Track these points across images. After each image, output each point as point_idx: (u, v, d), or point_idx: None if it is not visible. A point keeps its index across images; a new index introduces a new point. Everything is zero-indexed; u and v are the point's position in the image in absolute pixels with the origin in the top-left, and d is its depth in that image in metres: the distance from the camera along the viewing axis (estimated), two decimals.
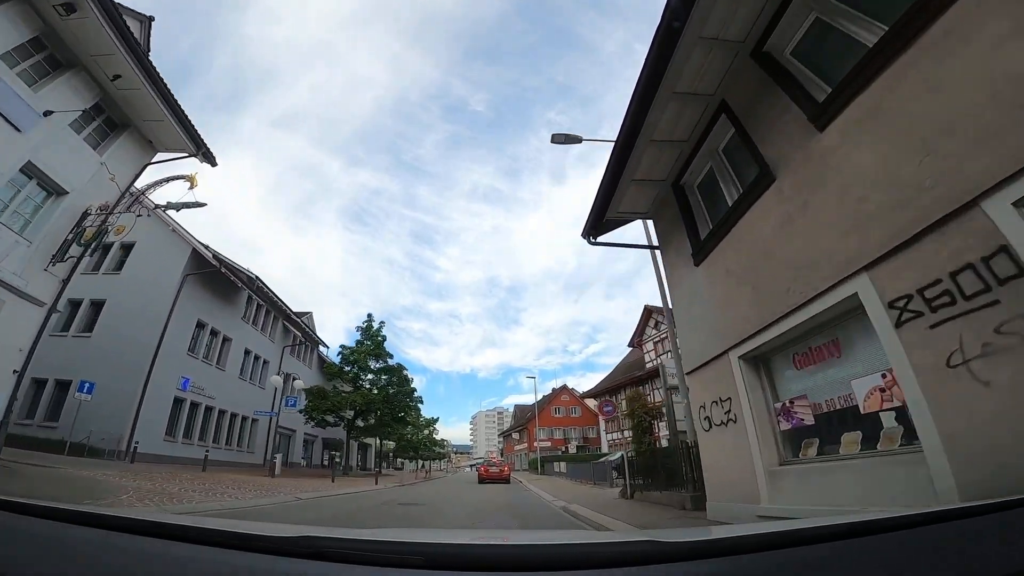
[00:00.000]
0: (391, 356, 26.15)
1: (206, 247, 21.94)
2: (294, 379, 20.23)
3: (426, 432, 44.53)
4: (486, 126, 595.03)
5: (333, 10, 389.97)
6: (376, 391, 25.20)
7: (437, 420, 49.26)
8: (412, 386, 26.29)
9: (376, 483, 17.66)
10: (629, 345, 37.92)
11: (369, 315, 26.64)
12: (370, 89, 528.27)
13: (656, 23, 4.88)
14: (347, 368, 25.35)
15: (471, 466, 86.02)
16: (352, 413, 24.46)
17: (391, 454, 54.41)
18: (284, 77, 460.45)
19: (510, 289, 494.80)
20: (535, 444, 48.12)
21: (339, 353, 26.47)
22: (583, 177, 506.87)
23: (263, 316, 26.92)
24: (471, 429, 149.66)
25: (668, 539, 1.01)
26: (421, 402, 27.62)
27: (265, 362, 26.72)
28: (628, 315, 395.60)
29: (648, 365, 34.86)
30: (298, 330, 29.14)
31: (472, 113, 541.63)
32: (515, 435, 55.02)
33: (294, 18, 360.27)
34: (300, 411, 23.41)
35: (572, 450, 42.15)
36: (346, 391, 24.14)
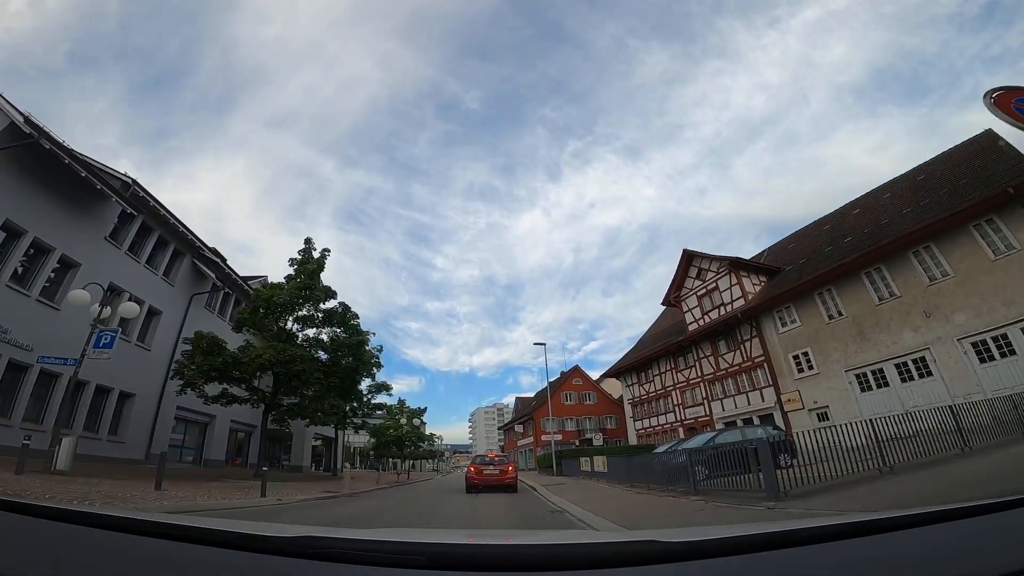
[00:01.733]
0: (333, 295, 17.59)
1: (30, 119, 13.71)
2: (120, 298, 11.27)
3: (404, 422, 35.79)
4: (480, 123, 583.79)
5: (324, 9, 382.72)
6: (307, 348, 16.58)
7: (425, 411, 40.90)
8: (362, 336, 17.43)
9: (263, 494, 9.23)
10: (663, 303, 29.53)
11: (308, 239, 18.26)
12: (362, 88, 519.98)
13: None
14: (260, 312, 16.70)
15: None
16: (271, 382, 16.01)
17: (371, 453, 46.00)
18: (275, 77, 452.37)
19: (507, 287, 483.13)
20: (542, 438, 39.77)
21: (255, 291, 17.96)
22: (578, 172, 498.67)
23: (152, 244, 18.61)
24: (470, 427, 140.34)
25: (669, 539, 0.98)
26: (379, 366, 18.98)
27: (154, 311, 18.40)
28: (626, 311, 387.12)
29: (692, 326, 26.55)
30: (216, 271, 20.71)
31: (466, 111, 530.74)
32: (518, 428, 46.50)
33: (284, 17, 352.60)
34: (175, 377, 14.69)
35: (596, 443, 33.69)
36: (257, 346, 15.44)
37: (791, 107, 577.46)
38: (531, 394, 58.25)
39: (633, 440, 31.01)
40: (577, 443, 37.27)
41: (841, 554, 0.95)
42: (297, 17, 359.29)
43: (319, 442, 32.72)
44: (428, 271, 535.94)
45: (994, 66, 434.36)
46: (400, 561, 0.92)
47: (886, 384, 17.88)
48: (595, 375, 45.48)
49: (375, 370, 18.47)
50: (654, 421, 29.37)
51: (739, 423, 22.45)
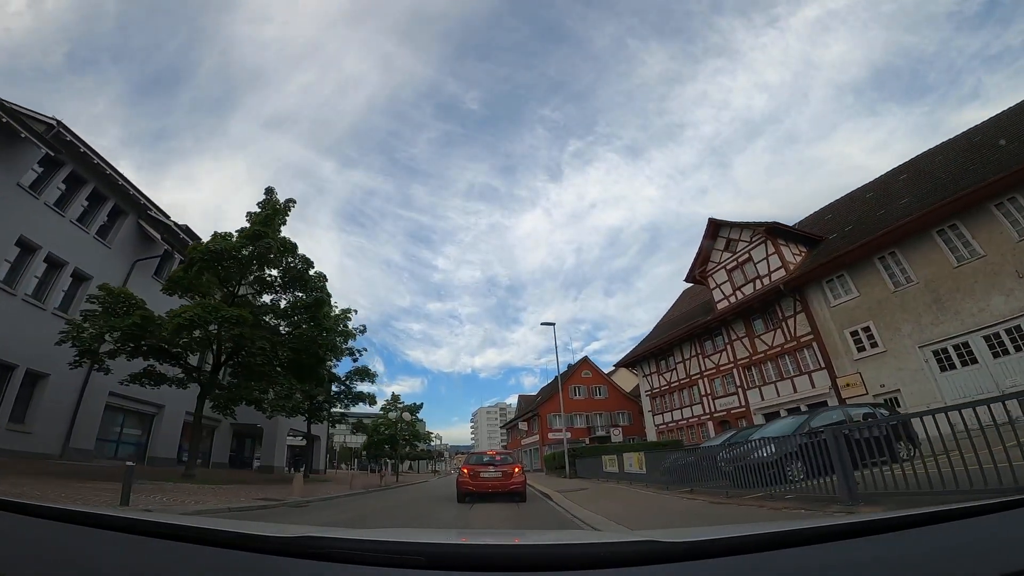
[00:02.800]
0: (292, 248, 13.80)
1: None
2: None
3: (395, 416, 32.34)
4: (480, 124, 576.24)
5: (323, 10, 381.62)
6: (255, 311, 13.00)
7: (421, 407, 37.58)
8: (323, 295, 13.79)
9: (123, 502, 5.86)
10: (687, 279, 26.19)
11: (269, 189, 14.55)
12: (361, 88, 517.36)
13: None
14: (194, 268, 13.13)
15: None
16: (209, 358, 12.61)
17: (363, 453, 42.65)
18: (274, 78, 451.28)
19: (509, 288, 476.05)
20: (549, 436, 36.45)
21: (191, 244, 14.63)
22: (579, 172, 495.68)
23: (84, 199, 15.46)
24: (472, 427, 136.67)
25: (668, 539, 0.98)
26: (352, 337, 15.38)
27: (81, 275, 15.21)
28: (628, 311, 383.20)
29: (721, 304, 23.28)
30: (163, 232, 17.51)
31: (465, 111, 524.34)
32: (522, 426, 42.99)
33: (284, 17, 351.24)
34: (66, 343, 10.88)
35: (615, 440, 30.30)
36: (189, 307, 11.86)
37: (791, 106, 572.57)
38: (534, 392, 54.97)
39: (652, 437, 27.67)
40: (587, 441, 33.89)
41: (842, 554, 0.94)
42: (296, 17, 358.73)
43: (301, 440, 29.43)
44: (429, 272, 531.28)
45: (994, 64, 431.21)
46: (399, 561, 0.92)
47: (973, 360, 14.70)
48: (604, 371, 42.17)
49: (349, 345, 15.05)
50: (677, 415, 26.02)
51: (783, 413, 19.14)
